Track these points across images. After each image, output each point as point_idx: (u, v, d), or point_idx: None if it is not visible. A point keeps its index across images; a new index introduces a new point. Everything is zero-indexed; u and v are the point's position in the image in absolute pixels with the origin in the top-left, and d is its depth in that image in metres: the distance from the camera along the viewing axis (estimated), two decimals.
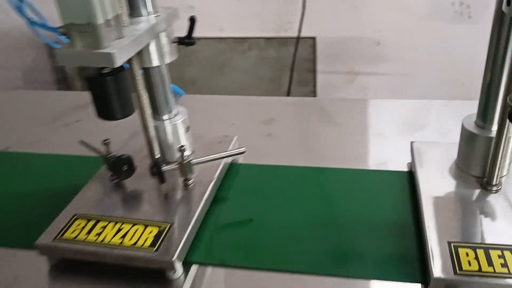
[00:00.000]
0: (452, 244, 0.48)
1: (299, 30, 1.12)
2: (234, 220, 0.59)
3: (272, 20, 1.20)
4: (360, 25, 1.15)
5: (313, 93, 1.24)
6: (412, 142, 0.66)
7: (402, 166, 0.67)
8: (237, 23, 1.22)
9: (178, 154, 0.58)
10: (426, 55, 1.12)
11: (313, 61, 1.20)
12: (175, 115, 0.64)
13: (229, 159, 0.68)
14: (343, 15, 1.15)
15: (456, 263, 0.45)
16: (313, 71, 1.21)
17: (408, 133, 0.76)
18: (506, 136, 0.51)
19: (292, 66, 1.16)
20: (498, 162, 0.53)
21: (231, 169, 0.68)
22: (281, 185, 0.65)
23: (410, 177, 0.64)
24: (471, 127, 0.57)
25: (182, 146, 0.58)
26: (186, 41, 0.60)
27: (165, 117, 0.63)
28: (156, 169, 0.57)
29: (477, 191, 0.56)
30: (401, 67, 1.15)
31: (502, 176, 0.57)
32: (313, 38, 1.19)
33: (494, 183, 0.55)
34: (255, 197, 0.63)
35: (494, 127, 0.55)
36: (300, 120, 0.83)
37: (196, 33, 1.26)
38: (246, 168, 0.69)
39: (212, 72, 1.27)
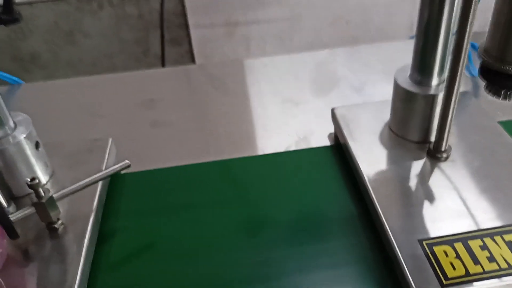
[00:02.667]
0: (424, 243, 0.38)
1: None
2: (132, 255, 0.42)
3: None
4: None
5: (190, 53, 1.06)
6: (333, 109, 0.54)
7: (323, 139, 0.56)
8: None
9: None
10: None
11: (183, 14, 1.01)
12: (14, 129, 0.43)
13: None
14: None
15: (438, 271, 0.36)
16: (185, 26, 1.03)
17: (319, 94, 0.64)
18: (457, 91, 0.41)
19: (161, 23, 0.95)
20: (448, 123, 0.43)
21: (114, 185, 0.50)
22: (181, 192, 0.49)
23: (337, 153, 0.53)
24: (407, 84, 0.47)
25: (33, 178, 0.38)
26: (4, 18, 0.38)
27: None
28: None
29: (425, 162, 0.46)
30: (283, 11, 1.02)
31: None
32: None
33: (443, 149, 0.46)
34: (151, 217, 0.46)
35: (435, 81, 0.46)
36: (186, 97, 0.66)
37: None
38: (133, 178, 0.52)
39: (58, 42, 1.00)
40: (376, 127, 0.52)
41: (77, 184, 0.40)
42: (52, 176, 0.47)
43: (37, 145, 0.45)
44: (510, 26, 0.32)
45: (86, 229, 0.41)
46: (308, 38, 1.03)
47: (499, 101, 0.60)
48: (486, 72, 0.35)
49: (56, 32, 0.99)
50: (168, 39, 1.04)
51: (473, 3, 0.35)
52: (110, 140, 0.52)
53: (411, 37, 0.73)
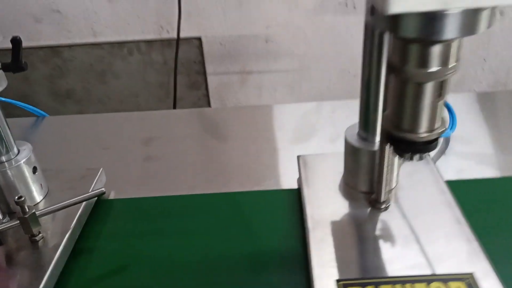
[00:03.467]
0: (340, 284, 0.42)
1: (178, 31, 1.02)
2: (99, 275, 0.49)
3: (152, 21, 1.10)
4: (247, 22, 1.09)
5: (206, 97, 1.15)
6: (298, 157, 0.60)
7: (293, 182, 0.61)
8: (112, 26, 1.09)
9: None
10: (317, 48, 1.08)
11: (202, 62, 1.11)
12: (17, 154, 0.53)
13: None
14: (228, 13, 1.08)
15: None
16: (203, 73, 1.13)
17: (298, 141, 0.70)
18: (389, 148, 0.46)
19: (175, 71, 1.06)
20: (384, 177, 0.48)
21: (100, 208, 0.58)
22: (161, 220, 0.56)
23: (299, 196, 0.58)
24: (354, 139, 0.52)
25: (19, 197, 0.47)
26: (13, 66, 0.48)
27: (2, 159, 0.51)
28: None
29: (366, 210, 0.51)
30: (293, 63, 1.10)
31: (391, 189, 0.53)
32: (199, 39, 1.10)
33: (382, 200, 0.50)
34: (128, 240, 0.53)
35: (378, 138, 0.51)
36: (181, 137, 0.74)
37: (66, 40, 1.12)
38: (117, 204, 0.59)
39: (91, 81, 1.13)
40: (333, 176, 0.57)
41: (56, 206, 0.49)
42: (46, 196, 0.55)
43: (34, 170, 0.54)
44: (401, 99, 0.37)
45: (60, 244, 0.48)
46: (316, 88, 1.10)
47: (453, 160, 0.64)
48: (388, 136, 0.40)
49: (90, 72, 1.12)
50: (188, 84, 1.15)
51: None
52: (101, 169, 0.60)
53: None
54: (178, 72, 1.13)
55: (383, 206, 0.50)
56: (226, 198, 0.60)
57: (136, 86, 1.15)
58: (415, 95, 0.35)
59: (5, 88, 1.19)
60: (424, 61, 0.33)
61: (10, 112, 0.79)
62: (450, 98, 0.78)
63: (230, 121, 0.76)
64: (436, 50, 0.33)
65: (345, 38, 1.05)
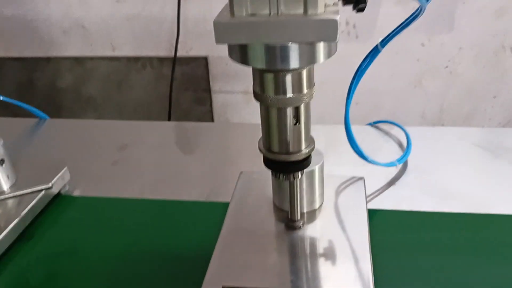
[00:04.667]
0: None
1: (175, 51, 1.11)
2: (40, 259, 0.55)
3: (164, 39, 1.19)
4: None
5: (210, 112, 1.22)
6: (241, 172, 0.64)
7: None
8: (129, 42, 1.19)
9: None
10: (320, 73, 1.11)
11: (207, 80, 1.18)
12: None
13: (56, 190, 0.65)
14: None
15: None
16: (209, 90, 1.20)
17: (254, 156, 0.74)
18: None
19: (170, 88, 1.14)
20: (296, 199, 0.51)
21: (61, 203, 0.65)
22: (101, 219, 0.62)
23: None
24: None
25: None
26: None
27: None
28: None
29: (281, 227, 0.54)
30: None
31: (315, 210, 0.56)
32: (205, 58, 1.17)
33: (295, 219, 0.53)
34: (70, 232, 0.60)
35: None
36: (154, 147, 0.80)
37: (89, 53, 1.23)
38: (78, 201, 0.66)
39: (109, 90, 1.23)
40: (267, 194, 0.60)
41: (6, 196, 0.56)
42: (12, 186, 0.63)
43: (1, 162, 0.62)
44: (266, 124, 0.40)
45: (6, 227, 0.56)
46: (319, 113, 1.12)
47: (387, 189, 0.65)
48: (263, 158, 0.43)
49: (109, 82, 1.23)
50: (194, 99, 1.22)
51: None
52: (65, 168, 0.67)
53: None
54: (185, 88, 1.20)
55: (296, 225, 0.53)
56: (167, 205, 0.65)
57: (148, 97, 1.24)
58: (277, 119, 0.39)
59: (34, 89, 1.32)
60: (278, 89, 0.37)
61: (16, 112, 0.90)
62: (428, 131, 0.79)
63: (213, 135, 0.81)
64: (288, 79, 0.36)
65: (347, 65, 1.07)
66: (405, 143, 0.76)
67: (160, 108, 1.24)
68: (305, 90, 0.38)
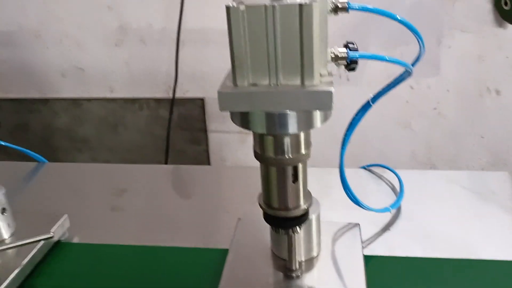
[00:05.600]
0: None
1: (173, 92, 1.14)
2: None
3: (161, 81, 1.22)
4: None
5: (206, 152, 1.24)
6: (239, 219, 0.65)
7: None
8: (127, 84, 1.22)
9: None
10: None
11: (203, 120, 1.21)
12: None
13: (56, 238, 0.66)
14: None
15: None
16: (205, 130, 1.22)
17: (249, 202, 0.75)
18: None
19: (168, 130, 1.16)
20: (293, 250, 0.52)
21: (61, 250, 0.66)
22: (100, 267, 0.63)
23: None
24: None
25: None
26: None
27: None
28: None
29: (279, 276, 0.55)
30: None
31: (313, 258, 0.57)
32: (202, 99, 1.20)
33: (293, 268, 0.54)
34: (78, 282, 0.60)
35: None
36: (151, 192, 0.81)
37: (87, 94, 1.26)
38: (78, 248, 0.67)
39: (104, 131, 1.25)
40: (264, 241, 0.61)
41: (7, 246, 0.57)
42: (12, 235, 0.64)
43: (3, 210, 0.63)
44: (266, 181, 0.42)
45: (7, 278, 0.56)
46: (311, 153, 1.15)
47: (381, 234, 0.67)
48: (264, 214, 0.45)
49: (104, 123, 1.24)
50: (190, 139, 1.24)
51: None
52: (65, 216, 0.68)
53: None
54: (181, 128, 1.23)
55: (294, 274, 0.54)
56: (165, 252, 0.66)
57: (144, 138, 1.25)
58: (277, 178, 0.41)
59: (30, 129, 1.33)
60: (278, 150, 0.39)
61: (10, 151, 0.90)
62: (421, 175, 0.81)
63: (209, 179, 0.82)
64: (287, 141, 0.38)
65: (338, 108, 1.10)
66: (397, 186, 0.78)
67: (155, 149, 1.26)
68: (303, 151, 0.40)
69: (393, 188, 0.78)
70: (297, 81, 0.35)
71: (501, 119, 1.16)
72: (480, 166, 1.22)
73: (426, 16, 1.07)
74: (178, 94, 1.21)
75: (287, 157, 0.39)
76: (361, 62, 1.14)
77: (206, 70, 1.19)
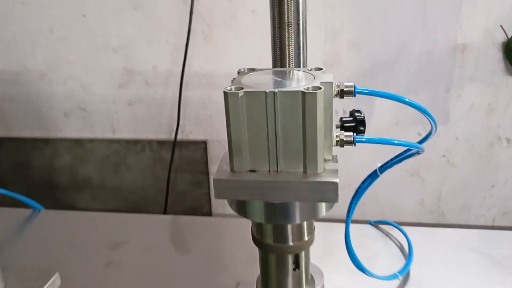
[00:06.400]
0: None
1: (175, 135, 1.12)
2: None
3: (164, 123, 1.20)
4: None
5: (207, 195, 1.22)
6: (237, 284, 0.62)
7: None
8: (130, 125, 1.21)
9: None
10: None
11: (206, 163, 1.19)
12: None
13: None
14: None
15: None
16: (206, 173, 1.20)
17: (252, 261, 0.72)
18: None
19: (168, 175, 1.14)
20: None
21: None
22: None
23: None
24: None
25: None
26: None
27: None
28: None
29: None
30: None
31: None
32: (204, 142, 1.19)
33: None
34: None
35: None
36: (148, 245, 0.78)
37: (89, 134, 1.24)
38: None
39: (106, 171, 1.23)
40: None
41: None
42: None
43: None
44: (265, 268, 0.39)
45: None
46: None
47: None
48: None
49: (106, 163, 1.23)
50: (191, 181, 1.22)
51: None
52: (56, 274, 0.65)
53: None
54: (183, 170, 1.21)
55: None
56: None
57: (145, 180, 1.23)
58: (276, 266, 0.38)
59: (31, 168, 1.32)
60: (278, 238, 0.36)
61: (11, 199, 0.88)
62: (428, 233, 0.78)
63: (209, 233, 0.79)
64: (288, 229, 0.36)
65: (346, 153, 1.08)
66: (405, 246, 0.75)
67: (157, 190, 1.24)
68: (305, 238, 0.37)
69: (401, 248, 0.75)
70: (299, 169, 0.33)
71: None
72: (491, 216, 1.18)
73: (435, 65, 1.06)
74: (181, 136, 1.20)
75: (288, 245, 0.36)
76: (368, 107, 1.13)
77: (210, 113, 1.17)
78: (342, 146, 0.35)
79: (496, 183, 1.14)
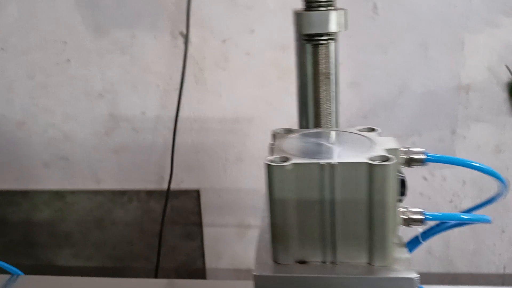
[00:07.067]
0: None
1: (169, 184, 1.05)
2: None
3: (153, 172, 1.12)
4: (246, 177, 1.09)
5: (201, 248, 1.12)
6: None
7: None
8: (116, 175, 1.12)
9: None
10: None
11: (199, 213, 1.10)
12: None
13: None
14: (228, 168, 1.09)
15: None
16: (200, 224, 1.11)
17: None
18: None
19: (161, 228, 1.06)
20: None
21: None
22: None
23: None
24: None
25: None
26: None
27: None
28: None
29: None
30: None
31: None
32: (197, 191, 1.10)
33: None
34: None
35: None
36: None
37: (71, 185, 1.15)
38: None
39: (88, 226, 1.13)
40: None
41: None
42: None
43: None
44: None
45: None
46: None
47: None
48: None
49: (89, 218, 1.13)
50: (183, 234, 1.13)
51: None
52: None
53: None
54: (174, 222, 1.12)
55: None
56: None
57: (132, 234, 1.14)
58: None
59: (7, 225, 1.20)
60: None
61: None
62: None
63: None
64: None
65: None
66: None
67: (144, 244, 1.14)
68: None
69: None
70: (362, 259, 0.26)
71: None
72: (501, 263, 1.12)
73: (439, 106, 1.02)
74: (172, 185, 1.11)
75: None
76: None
77: (203, 160, 1.10)
78: (408, 225, 0.28)
79: (506, 228, 1.09)
